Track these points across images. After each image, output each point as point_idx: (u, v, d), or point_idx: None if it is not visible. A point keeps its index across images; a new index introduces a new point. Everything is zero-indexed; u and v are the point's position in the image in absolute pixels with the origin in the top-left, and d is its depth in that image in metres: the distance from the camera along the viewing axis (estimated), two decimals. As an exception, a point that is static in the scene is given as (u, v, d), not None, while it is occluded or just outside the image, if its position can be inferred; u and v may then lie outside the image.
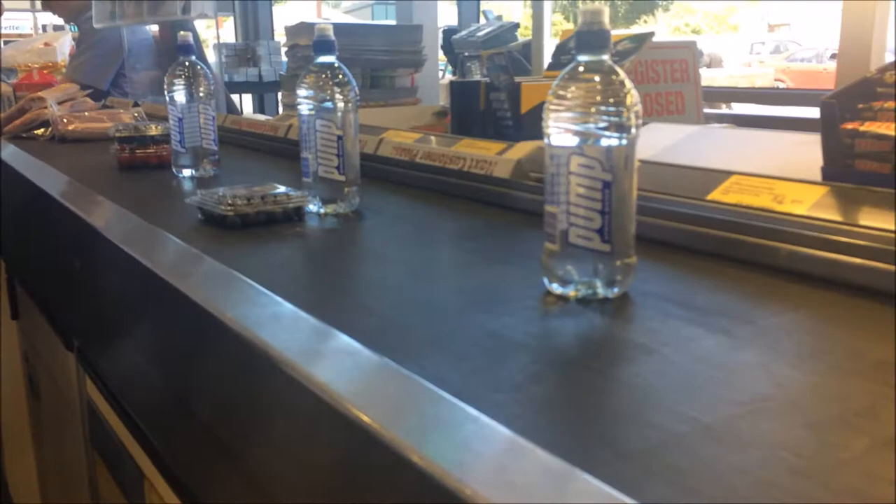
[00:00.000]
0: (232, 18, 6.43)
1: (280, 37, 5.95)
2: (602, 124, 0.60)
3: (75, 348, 1.02)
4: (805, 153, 0.87)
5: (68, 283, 1.05)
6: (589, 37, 0.61)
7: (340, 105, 0.97)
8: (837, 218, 0.68)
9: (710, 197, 0.79)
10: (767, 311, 0.61)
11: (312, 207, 0.98)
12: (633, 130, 0.61)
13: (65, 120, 1.84)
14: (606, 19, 0.61)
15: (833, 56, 13.65)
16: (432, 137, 1.24)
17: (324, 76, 0.97)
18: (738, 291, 0.66)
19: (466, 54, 2.40)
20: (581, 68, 0.61)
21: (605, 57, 0.61)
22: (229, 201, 0.91)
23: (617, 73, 0.61)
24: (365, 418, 0.40)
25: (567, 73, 0.62)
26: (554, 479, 0.33)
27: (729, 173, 0.81)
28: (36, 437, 1.48)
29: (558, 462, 0.34)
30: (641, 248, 0.65)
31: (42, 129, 1.91)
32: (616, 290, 0.64)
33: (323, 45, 0.97)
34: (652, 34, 1.45)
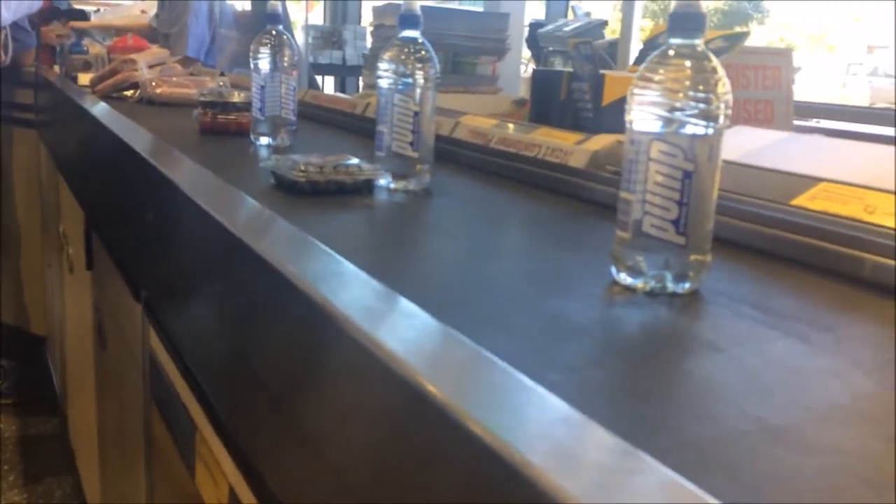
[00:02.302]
0: (322, 2, 6.54)
1: (366, 23, 6.02)
2: (689, 111, 0.58)
3: (143, 299, 1.04)
4: (902, 166, 0.82)
5: (141, 236, 1.08)
6: (683, 19, 0.58)
7: (420, 81, 0.96)
8: (932, 233, 0.64)
9: (794, 202, 0.75)
10: (847, 320, 0.58)
11: (382, 182, 0.98)
12: (721, 120, 0.59)
13: (153, 83, 1.90)
14: (702, 4, 0.59)
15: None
16: (509, 124, 1.23)
17: (406, 51, 0.96)
18: (818, 299, 0.62)
19: (551, 49, 2.37)
20: (672, 52, 0.59)
21: (699, 42, 0.59)
22: (302, 168, 0.92)
23: (709, 60, 0.59)
24: (421, 380, 0.39)
25: (656, 57, 0.60)
26: (610, 455, 0.32)
27: (818, 180, 0.77)
28: (99, 387, 1.54)
29: (615, 439, 0.32)
30: (718, 248, 0.62)
31: (131, 91, 1.97)
32: (687, 285, 0.61)
33: (408, 20, 0.97)
34: (747, 34, 1.41)
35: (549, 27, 2.48)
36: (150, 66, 2.04)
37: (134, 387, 1.09)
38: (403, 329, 0.46)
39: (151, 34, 2.92)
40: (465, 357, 0.42)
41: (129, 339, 1.14)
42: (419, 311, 0.48)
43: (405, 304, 0.49)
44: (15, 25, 2.08)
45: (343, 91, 5.79)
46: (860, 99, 13.18)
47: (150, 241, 1.02)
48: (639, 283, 0.62)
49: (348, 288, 0.54)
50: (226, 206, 0.80)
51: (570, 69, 1.50)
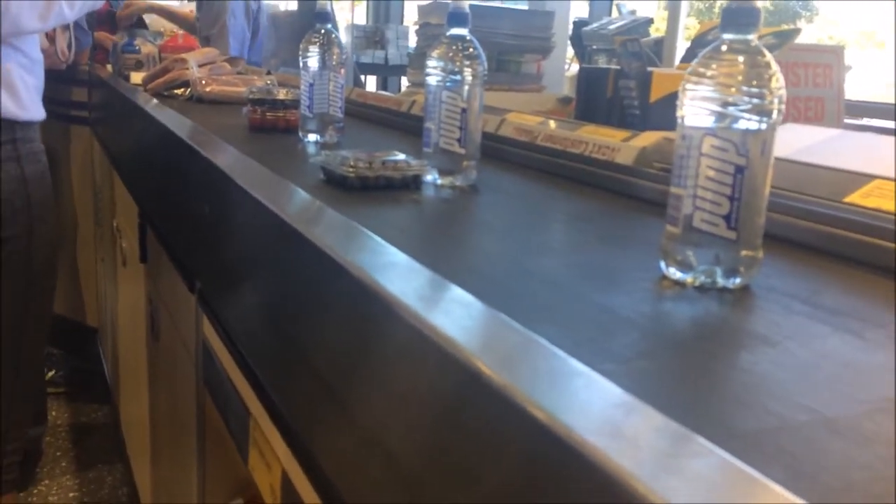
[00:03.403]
0: (365, 1, 6.60)
1: (409, 23, 6.06)
2: (742, 106, 0.58)
3: (197, 290, 1.07)
4: (959, 164, 0.81)
5: (195, 228, 1.11)
6: (737, 13, 0.58)
7: (468, 78, 0.97)
8: None
9: (847, 199, 0.75)
10: (902, 317, 0.57)
11: (430, 177, 0.99)
12: (775, 115, 0.59)
13: (203, 81, 1.94)
14: (757, -2, 0.59)
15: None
16: (555, 122, 1.23)
17: (455, 48, 0.97)
18: (871, 295, 0.62)
19: (595, 47, 2.36)
20: (724, 47, 0.59)
21: (752, 36, 0.59)
22: (351, 163, 0.94)
23: (763, 55, 0.59)
24: (478, 363, 0.40)
25: (709, 51, 0.60)
26: (668, 437, 0.32)
27: (871, 177, 0.77)
28: (151, 375, 1.58)
29: (672, 423, 0.33)
30: (769, 244, 0.62)
31: (182, 89, 2.02)
32: (737, 280, 0.61)
33: (457, 17, 0.98)
34: (798, 31, 1.39)
35: (594, 25, 2.47)
36: (201, 65, 2.08)
37: (187, 375, 1.12)
38: (458, 316, 0.47)
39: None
40: (520, 343, 0.43)
41: (183, 329, 1.17)
42: (473, 299, 0.49)
43: (459, 292, 0.50)
44: (75, 25, 2.14)
45: (385, 90, 5.84)
46: (912, 99, 12.81)
47: (205, 233, 1.05)
48: (689, 278, 0.62)
49: (402, 276, 0.56)
50: (279, 198, 0.82)
51: (615, 67, 1.49)
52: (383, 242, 0.62)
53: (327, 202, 0.82)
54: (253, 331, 0.81)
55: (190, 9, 3.39)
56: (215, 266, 1.00)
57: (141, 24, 3.03)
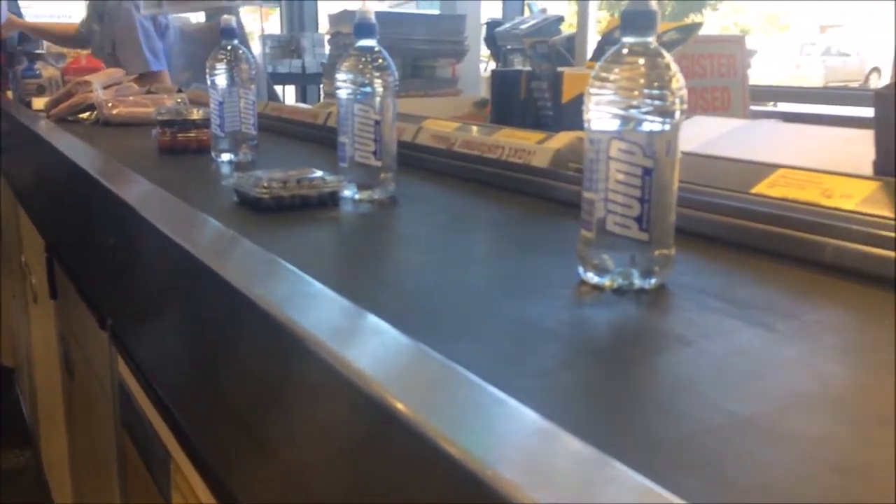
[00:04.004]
0: (278, 10, 6.49)
1: (324, 31, 5.99)
2: (645, 108, 0.58)
3: (108, 327, 1.03)
4: (856, 148, 0.84)
5: (104, 263, 1.06)
6: (635, 17, 0.59)
7: (379, 90, 0.96)
8: (888, 213, 0.65)
9: (754, 190, 0.77)
10: (811, 306, 0.59)
11: (347, 193, 0.97)
12: (677, 115, 0.60)
13: (109, 104, 1.87)
14: (653, 0, 0.59)
15: (873, 70, 13.25)
16: (471, 127, 1.23)
17: (363, 60, 0.96)
18: (781, 286, 0.63)
19: (509, 47, 2.37)
20: (625, 50, 0.60)
21: (651, 39, 0.59)
22: (265, 184, 0.91)
23: (662, 56, 0.59)
24: (390, 398, 0.39)
25: (611, 56, 0.60)
26: (583, 465, 0.32)
27: (776, 167, 0.79)
28: (69, 417, 1.51)
29: (588, 448, 0.32)
30: (681, 240, 0.63)
31: (87, 113, 1.94)
32: (653, 280, 0.62)
33: (363, 29, 0.97)
34: (700, 25, 1.42)
35: (506, 26, 2.49)
36: (106, 87, 2.01)
37: (104, 416, 1.07)
38: (372, 347, 0.46)
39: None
40: (435, 372, 0.42)
41: (97, 367, 1.12)
42: (388, 327, 0.48)
43: (373, 320, 0.49)
44: None
45: (304, 99, 5.75)
46: (815, 78, 13.40)
47: (113, 268, 1.01)
48: (606, 282, 0.62)
49: (315, 307, 0.54)
50: (187, 229, 0.79)
51: (528, 68, 1.50)
52: (296, 271, 0.60)
53: (240, 228, 0.79)
54: (168, 369, 0.78)
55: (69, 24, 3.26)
56: (126, 302, 0.96)
57: (27, 40, 2.91)
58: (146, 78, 2.53)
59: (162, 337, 0.82)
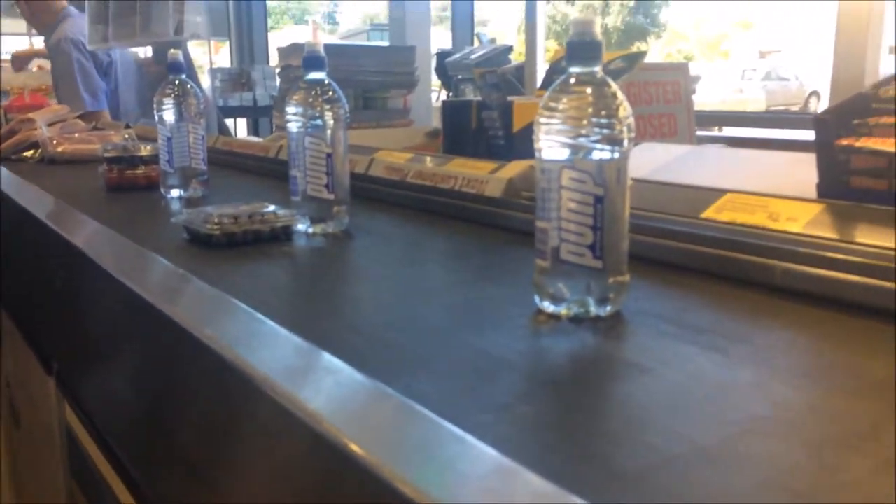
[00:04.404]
0: (227, 44, 6.46)
1: (274, 63, 5.98)
2: (594, 137, 0.59)
3: (55, 372, 0.99)
4: (799, 171, 0.86)
5: (49, 306, 1.03)
6: (580, 48, 0.60)
7: (330, 122, 0.96)
8: (833, 235, 0.67)
9: (703, 215, 0.78)
10: (763, 329, 0.60)
11: (301, 227, 0.96)
12: (626, 143, 0.60)
13: (54, 141, 1.83)
14: (597, 30, 0.60)
15: (812, 94, 13.77)
16: (424, 157, 1.23)
17: (313, 93, 0.96)
18: (733, 310, 0.64)
19: (460, 77, 2.40)
20: (572, 80, 0.60)
21: (597, 69, 0.60)
22: (216, 220, 0.90)
23: (609, 86, 0.60)
24: (346, 439, 0.38)
25: (558, 86, 0.61)
26: (543, 501, 0.31)
27: (723, 191, 0.80)
28: (15, 467, 1.45)
29: (547, 485, 0.32)
30: (634, 266, 0.63)
31: (32, 151, 1.90)
32: (608, 308, 0.62)
33: (312, 62, 0.96)
34: (644, 54, 1.45)
35: (456, 56, 2.52)
36: (50, 124, 1.97)
37: (53, 466, 1.03)
38: (326, 386, 0.45)
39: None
40: (392, 411, 0.41)
41: (43, 415, 1.08)
42: (343, 365, 0.47)
43: (327, 358, 0.48)
44: None
45: (256, 132, 5.72)
46: (757, 102, 13.82)
47: (60, 311, 0.98)
48: (562, 310, 0.62)
49: (267, 346, 0.53)
50: (135, 269, 0.77)
51: (478, 98, 1.52)
52: (248, 309, 0.59)
53: (191, 266, 0.78)
54: (118, 414, 0.75)
55: (38, 65, 3.21)
56: (74, 346, 0.93)
57: None
58: (89, 115, 2.49)
59: (111, 381, 0.79)
